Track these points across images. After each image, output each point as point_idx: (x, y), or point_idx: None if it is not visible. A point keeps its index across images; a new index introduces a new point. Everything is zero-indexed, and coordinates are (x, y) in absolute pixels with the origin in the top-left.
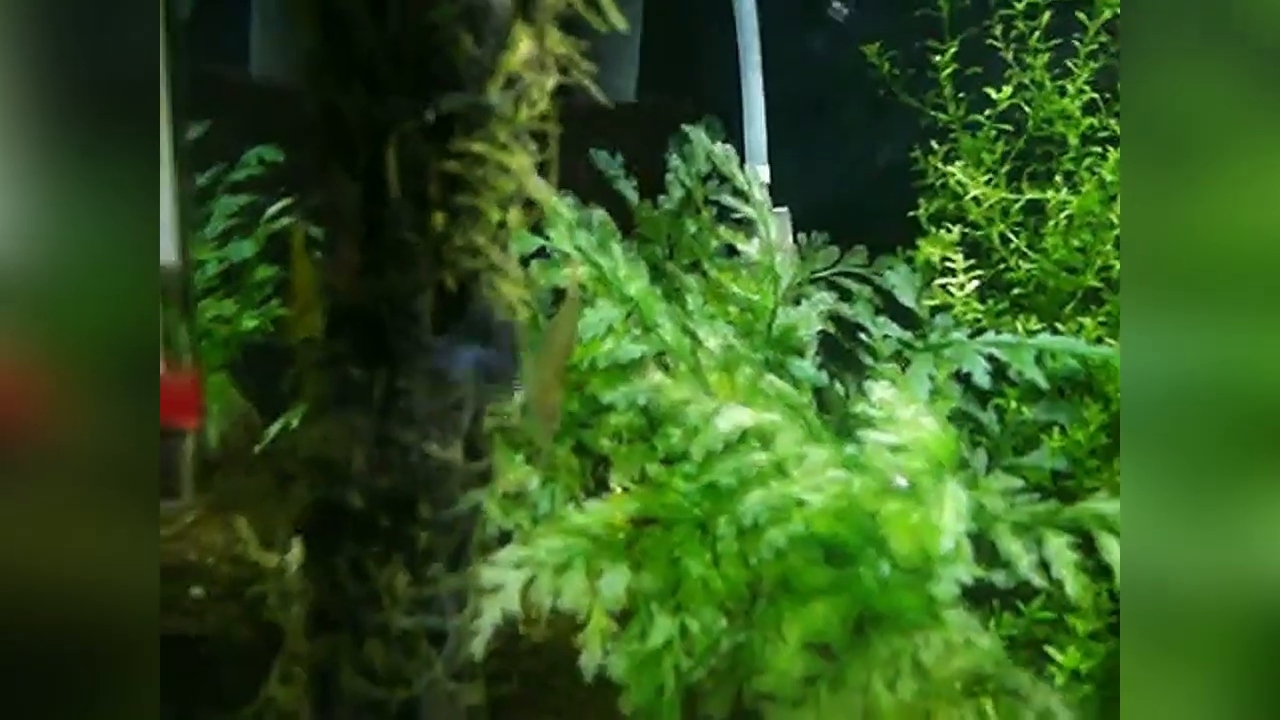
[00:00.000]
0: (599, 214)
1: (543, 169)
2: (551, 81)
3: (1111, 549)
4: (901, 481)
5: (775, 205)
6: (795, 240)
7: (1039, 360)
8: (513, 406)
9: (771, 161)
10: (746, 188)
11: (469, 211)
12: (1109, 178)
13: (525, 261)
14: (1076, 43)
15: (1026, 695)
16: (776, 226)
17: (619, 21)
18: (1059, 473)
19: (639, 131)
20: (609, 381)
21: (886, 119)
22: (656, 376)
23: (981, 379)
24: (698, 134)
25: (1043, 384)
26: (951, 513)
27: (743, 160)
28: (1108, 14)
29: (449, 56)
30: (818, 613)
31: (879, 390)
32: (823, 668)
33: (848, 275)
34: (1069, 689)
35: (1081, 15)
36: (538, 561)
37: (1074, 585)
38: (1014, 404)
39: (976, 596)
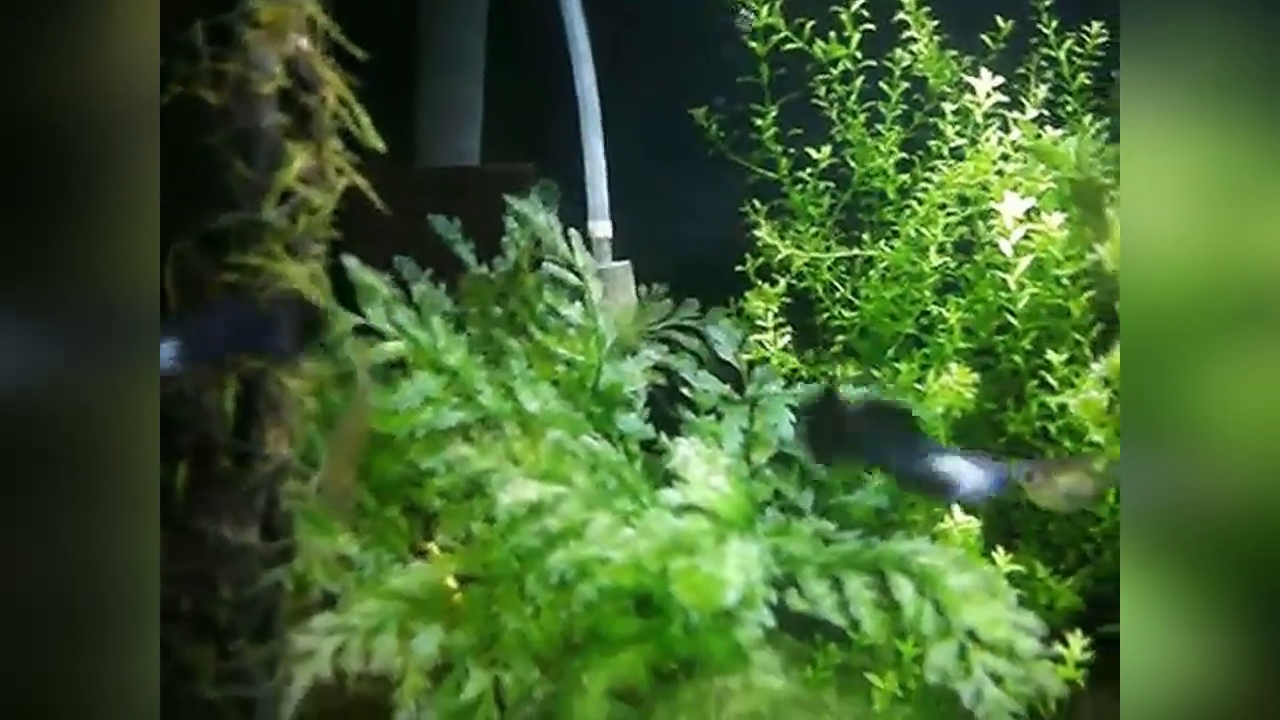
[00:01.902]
0: (420, 289)
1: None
2: (338, 188)
3: (903, 588)
4: None
5: (617, 259)
6: (638, 293)
7: None
8: (310, 489)
9: (614, 217)
10: (569, 254)
11: None
12: (919, 230)
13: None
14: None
15: None
16: (618, 280)
17: (377, 144)
18: (882, 509)
19: (481, 195)
20: (428, 449)
21: (725, 176)
22: (462, 449)
23: (786, 433)
24: (524, 203)
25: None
26: (733, 568)
27: (585, 218)
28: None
29: (222, 177)
30: (624, 661)
31: (682, 448)
32: (627, 714)
33: (681, 329)
34: (891, 712)
35: (884, 84)
36: (350, 626)
37: (870, 623)
38: None
39: (808, 629)
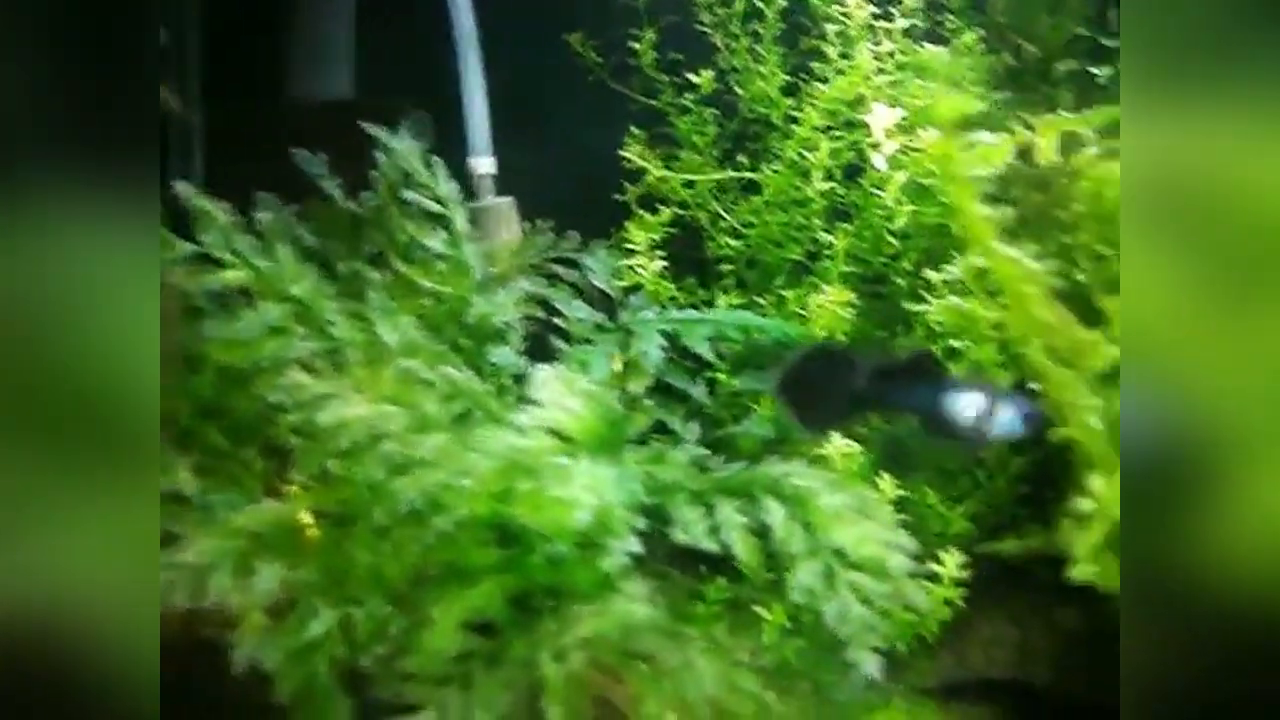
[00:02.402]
0: (265, 216)
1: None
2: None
3: (774, 510)
4: None
5: (500, 195)
6: (523, 229)
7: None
8: None
9: (498, 153)
10: (434, 183)
11: None
12: (800, 154)
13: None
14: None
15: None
16: (502, 216)
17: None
18: (770, 440)
19: (353, 132)
20: (274, 381)
21: (611, 106)
22: (299, 375)
23: (655, 358)
24: (389, 135)
25: (710, 357)
26: (580, 488)
27: (466, 153)
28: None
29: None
30: (480, 592)
31: (540, 373)
32: (479, 645)
33: (562, 262)
34: (780, 645)
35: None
36: (179, 564)
37: (741, 547)
38: (724, 377)
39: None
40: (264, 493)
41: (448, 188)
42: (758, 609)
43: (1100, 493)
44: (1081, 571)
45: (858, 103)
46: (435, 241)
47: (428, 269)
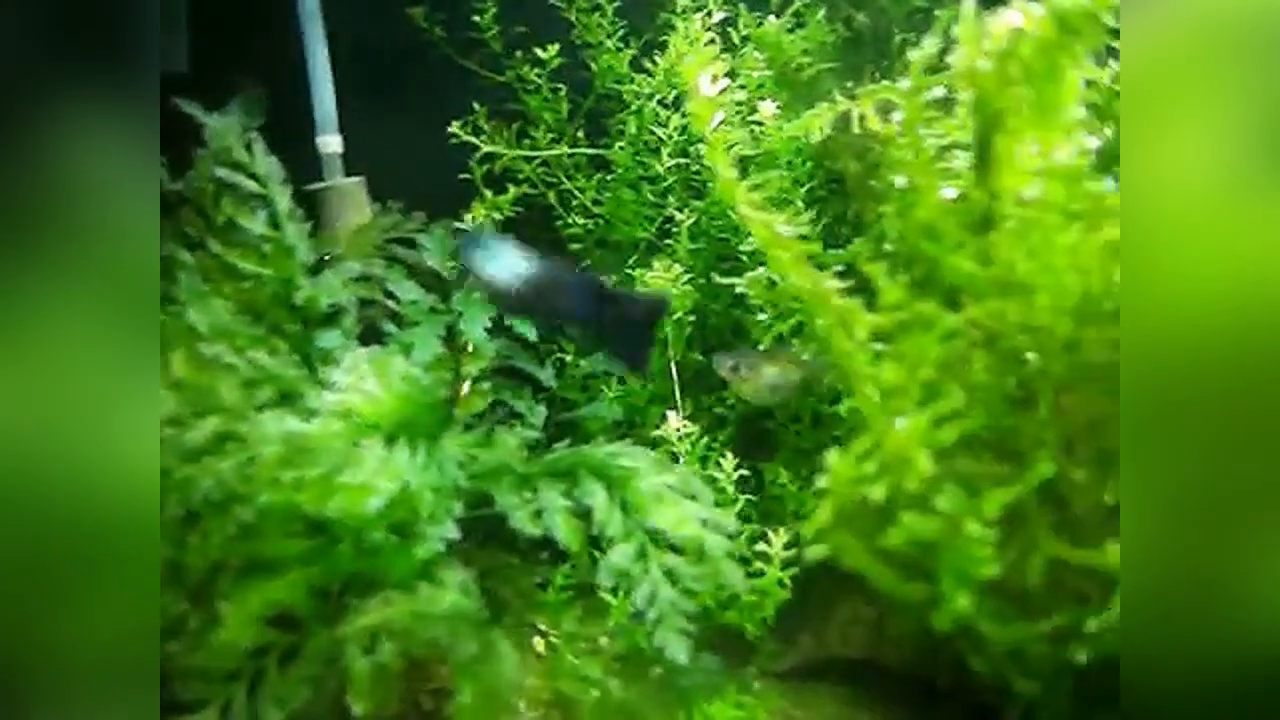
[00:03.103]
0: None
1: None
2: None
3: (595, 493)
4: None
5: (350, 174)
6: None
7: None
8: None
9: (345, 131)
10: (251, 161)
11: None
12: (650, 131)
13: None
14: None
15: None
16: (350, 197)
17: None
18: (619, 422)
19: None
20: None
21: (462, 81)
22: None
23: (478, 337)
24: (195, 108)
25: (529, 334)
26: (375, 473)
27: (313, 130)
28: None
29: None
30: (282, 583)
31: (353, 357)
32: (277, 638)
33: (403, 243)
34: (631, 630)
35: None
36: None
37: (563, 531)
38: (570, 358)
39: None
40: None
41: (267, 165)
42: (604, 595)
43: (835, 467)
44: (813, 551)
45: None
46: (254, 223)
47: (247, 251)
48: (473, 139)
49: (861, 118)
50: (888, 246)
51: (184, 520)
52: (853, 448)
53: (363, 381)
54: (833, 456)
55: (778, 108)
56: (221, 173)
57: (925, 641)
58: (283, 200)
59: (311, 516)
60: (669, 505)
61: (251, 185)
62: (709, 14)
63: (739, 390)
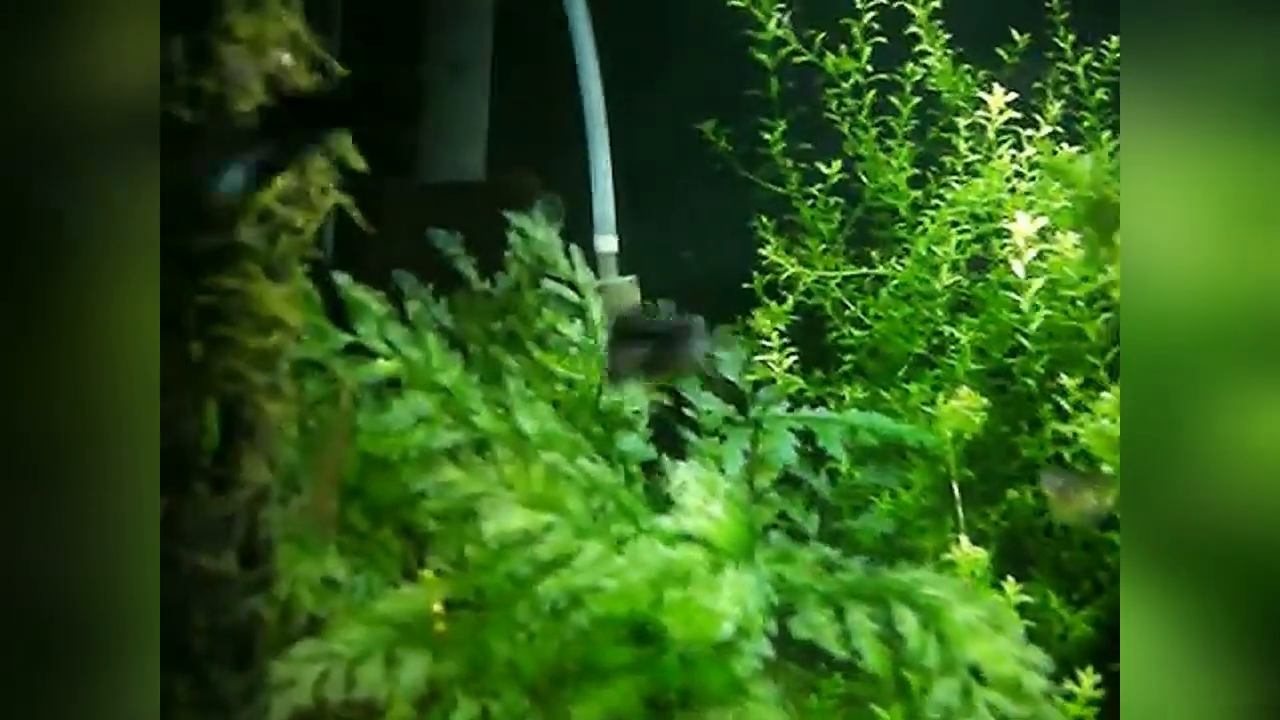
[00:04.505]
0: (414, 305)
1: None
2: (322, 208)
3: (907, 620)
4: None
5: (624, 274)
6: (644, 309)
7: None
8: (293, 512)
9: (622, 232)
10: (570, 270)
11: (225, 340)
12: (929, 249)
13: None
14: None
15: None
16: (624, 296)
17: (358, 164)
18: (889, 535)
19: (485, 210)
20: (421, 470)
21: (735, 191)
22: (450, 472)
23: (788, 457)
24: (524, 219)
25: (843, 458)
26: (728, 600)
27: (591, 231)
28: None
29: (198, 198)
30: (617, 691)
31: (680, 471)
32: None
33: None
34: None
35: (895, 99)
36: (333, 654)
37: (871, 655)
38: (845, 468)
39: (813, 657)
40: (401, 575)
41: (586, 274)
42: (875, 708)
43: None
44: None
45: (994, 205)
46: (572, 330)
47: (561, 355)
48: (774, 257)
49: None
50: None
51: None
52: None
53: (707, 503)
54: None
55: (1080, 239)
56: (549, 285)
57: None
58: (596, 309)
59: (640, 625)
60: (985, 639)
61: (571, 295)
62: (1018, 145)
63: (1059, 512)
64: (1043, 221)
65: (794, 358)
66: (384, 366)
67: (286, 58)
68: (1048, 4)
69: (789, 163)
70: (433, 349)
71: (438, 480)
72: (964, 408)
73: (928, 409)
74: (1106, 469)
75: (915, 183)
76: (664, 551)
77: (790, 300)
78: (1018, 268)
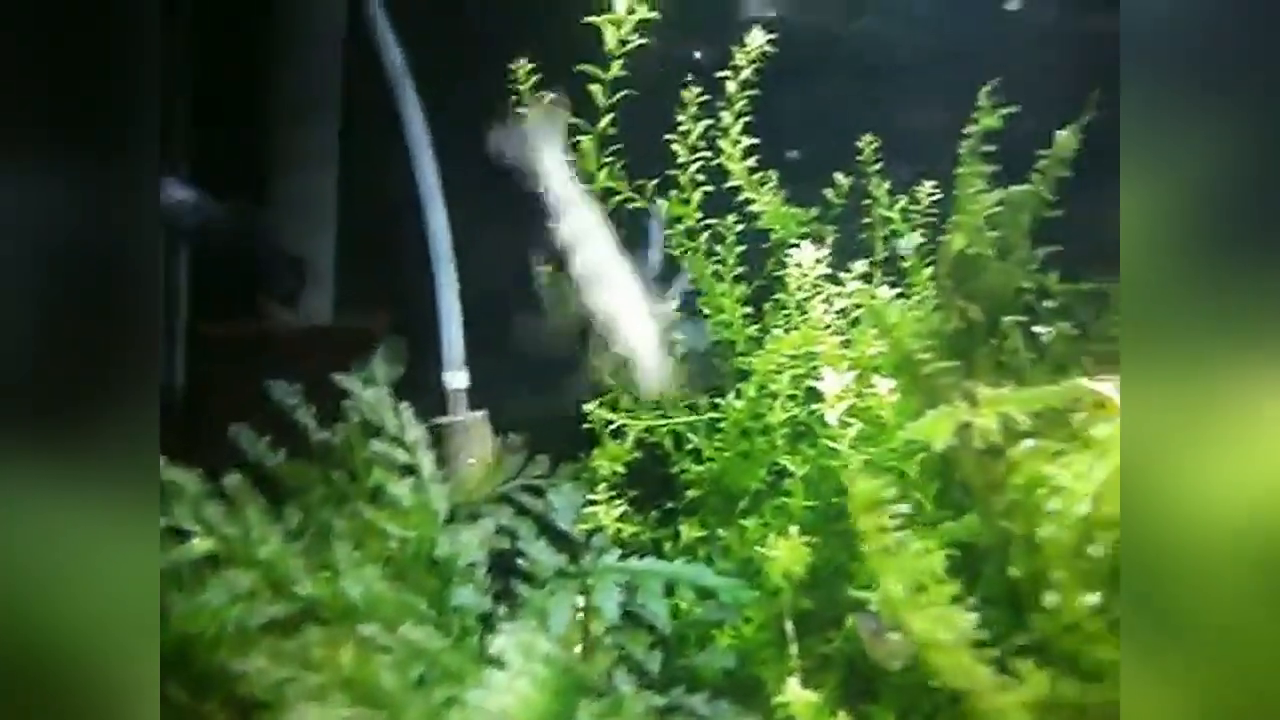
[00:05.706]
0: (231, 480)
1: None
2: None
3: None
4: None
5: (474, 409)
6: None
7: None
8: None
9: (471, 363)
10: (401, 435)
11: None
12: (761, 386)
13: None
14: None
15: None
16: (475, 432)
17: None
18: (731, 670)
19: (332, 355)
20: (240, 647)
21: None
22: (258, 660)
23: (611, 612)
24: (350, 379)
25: (662, 621)
26: None
27: (440, 368)
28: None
29: None
30: None
31: (499, 639)
32: None
33: (528, 488)
34: None
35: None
36: None
37: None
38: (684, 605)
39: None
40: None
41: (415, 434)
42: None
43: None
44: None
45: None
46: (401, 489)
47: (394, 512)
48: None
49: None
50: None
51: None
52: None
53: (517, 677)
54: None
55: (894, 391)
56: (377, 447)
57: None
58: (428, 465)
59: None
60: None
61: (402, 455)
62: (829, 300)
63: (874, 652)
64: (850, 376)
65: (634, 494)
66: (199, 546)
67: None
68: (859, 157)
69: None
70: (253, 522)
71: (246, 667)
72: (792, 547)
73: (760, 549)
74: None
75: (752, 319)
76: None
77: (630, 437)
78: (831, 417)
